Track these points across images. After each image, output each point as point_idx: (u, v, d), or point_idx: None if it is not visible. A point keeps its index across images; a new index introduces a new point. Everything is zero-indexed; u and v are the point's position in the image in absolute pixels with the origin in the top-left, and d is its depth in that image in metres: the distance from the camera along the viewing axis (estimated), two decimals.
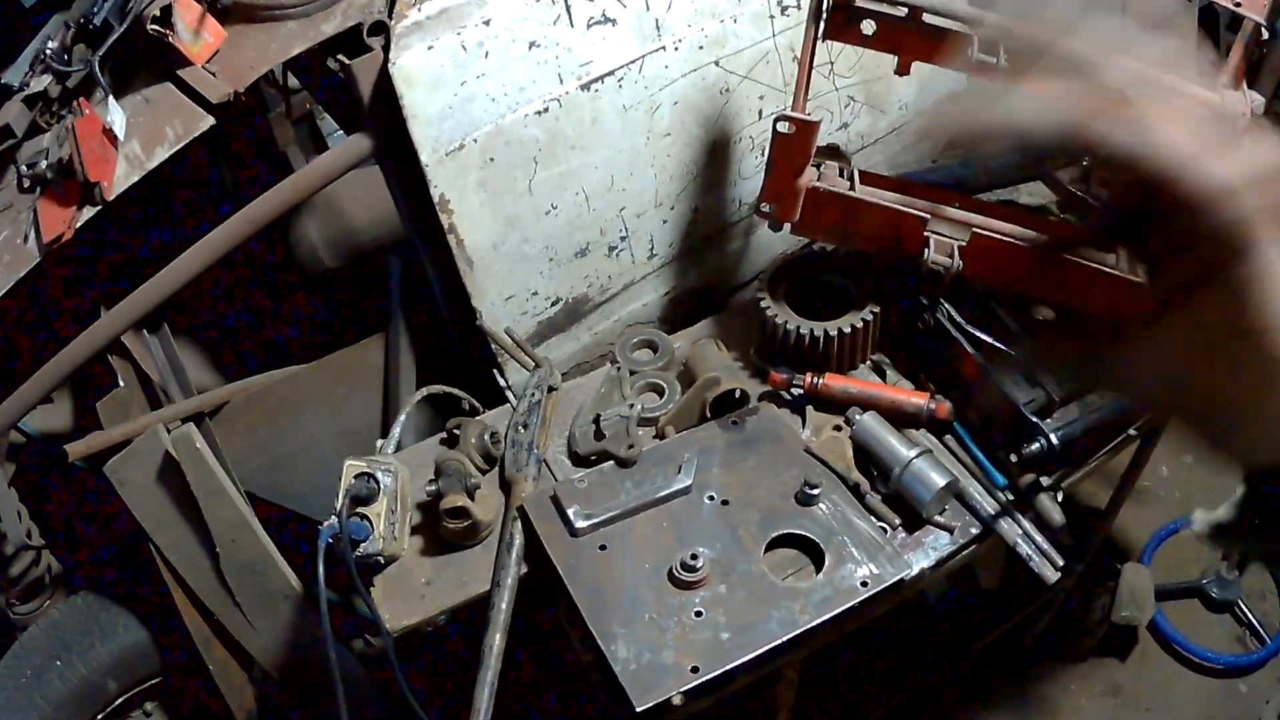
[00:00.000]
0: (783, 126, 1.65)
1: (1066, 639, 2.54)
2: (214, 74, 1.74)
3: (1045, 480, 1.71)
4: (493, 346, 1.90)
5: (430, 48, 1.64)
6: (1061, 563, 1.68)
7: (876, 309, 1.81)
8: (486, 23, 1.67)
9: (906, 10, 1.63)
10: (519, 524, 1.67)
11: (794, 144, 1.67)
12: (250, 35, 1.76)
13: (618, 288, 2.02)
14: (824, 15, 1.65)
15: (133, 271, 1.86)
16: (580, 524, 1.63)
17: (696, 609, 1.53)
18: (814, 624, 1.51)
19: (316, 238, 2.18)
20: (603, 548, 1.62)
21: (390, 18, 1.67)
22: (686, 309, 2.10)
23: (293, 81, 2.30)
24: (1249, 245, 0.68)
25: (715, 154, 1.97)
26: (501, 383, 1.91)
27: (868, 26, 1.65)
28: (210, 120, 1.73)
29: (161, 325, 1.94)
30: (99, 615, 2.06)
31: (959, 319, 1.79)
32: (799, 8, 1.93)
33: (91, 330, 1.82)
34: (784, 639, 1.49)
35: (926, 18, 1.63)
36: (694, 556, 1.55)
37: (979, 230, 1.71)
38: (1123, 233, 0.85)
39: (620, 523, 1.65)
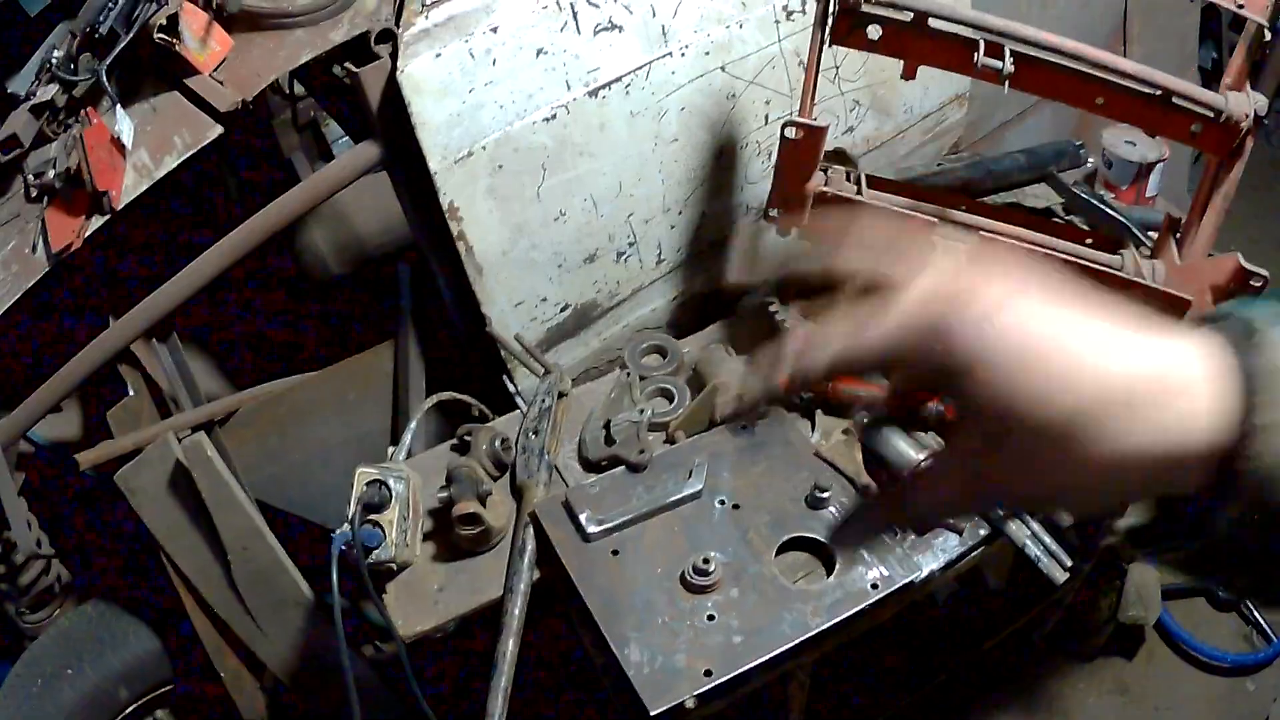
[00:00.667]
0: (790, 132, 1.66)
1: (1074, 638, 2.55)
2: (221, 82, 1.75)
3: None
4: (502, 353, 1.91)
5: (438, 55, 1.64)
6: (1069, 563, 1.68)
7: None
8: (494, 30, 1.67)
9: (912, 15, 1.63)
10: (531, 530, 1.67)
11: (801, 149, 1.68)
12: (257, 43, 1.77)
13: (626, 293, 2.02)
14: (829, 20, 1.66)
15: (141, 280, 1.86)
16: (592, 529, 1.63)
17: (709, 612, 1.53)
18: (825, 626, 1.51)
19: (323, 245, 2.18)
20: (615, 552, 1.62)
21: (398, 25, 1.68)
22: (694, 314, 2.11)
23: (298, 89, 2.30)
24: (961, 358, 0.69)
25: (722, 159, 1.98)
26: (511, 389, 1.91)
27: (873, 31, 1.65)
28: (219, 129, 1.73)
29: (171, 334, 1.94)
30: (109, 623, 2.06)
31: None
32: (804, 13, 1.93)
33: (101, 339, 1.83)
34: (796, 641, 1.49)
35: (932, 22, 1.64)
36: (706, 560, 1.55)
37: (986, 234, 1.72)
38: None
39: (632, 527, 1.65)
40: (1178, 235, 1.82)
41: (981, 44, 1.62)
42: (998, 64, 1.62)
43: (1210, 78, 3.26)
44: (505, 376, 1.93)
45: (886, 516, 0.82)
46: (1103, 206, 1.98)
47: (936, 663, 2.25)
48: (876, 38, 1.67)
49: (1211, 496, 0.67)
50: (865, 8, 1.63)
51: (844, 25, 1.66)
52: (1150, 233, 1.92)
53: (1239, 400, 0.65)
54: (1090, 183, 2.14)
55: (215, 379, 2.11)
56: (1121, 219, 1.94)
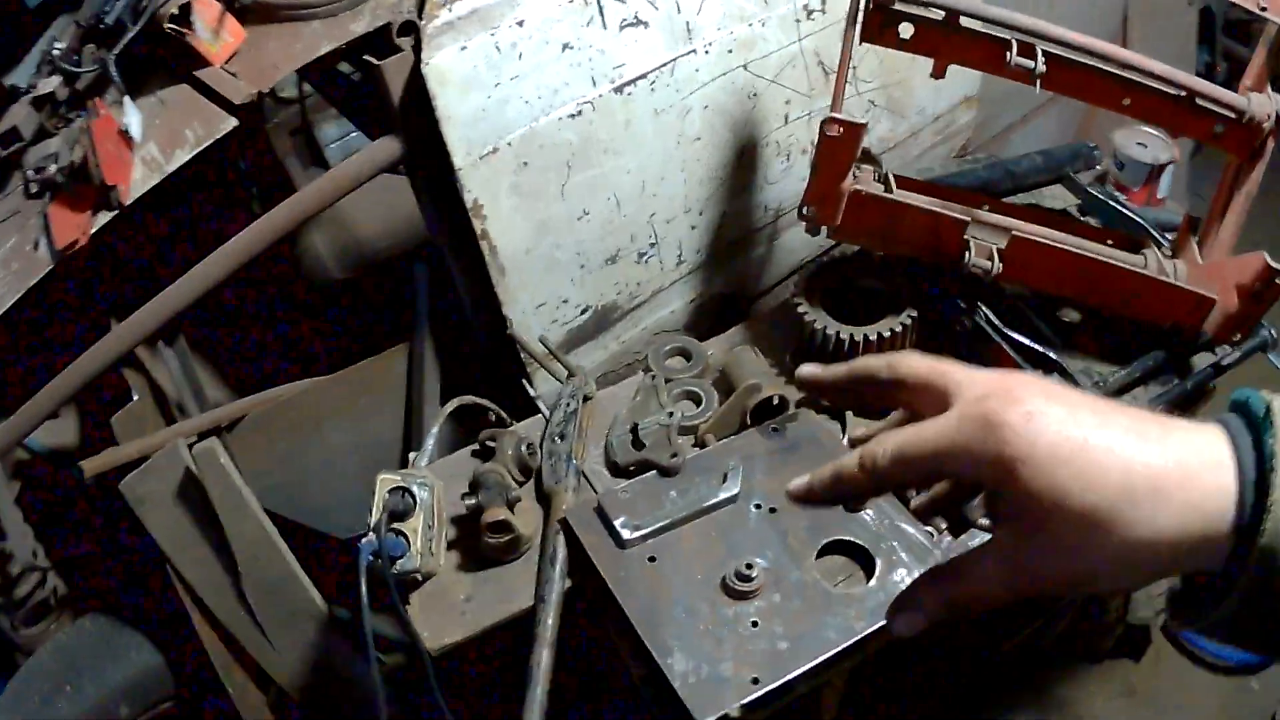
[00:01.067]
0: (831, 129, 1.63)
1: (1082, 640, 2.56)
2: (234, 74, 1.69)
3: None
4: (523, 356, 1.86)
5: (464, 48, 1.60)
6: None
7: (914, 313, 1.80)
8: (520, 24, 1.63)
9: (944, 14, 1.62)
10: (561, 536, 1.63)
11: (840, 147, 1.66)
12: (273, 35, 1.71)
13: (646, 295, 1.99)
14: (861, 18, 1.64)
15: (146, 280, 1.79)
16: (628, 535, 1.59)
17: (752, 619, 1.50)
18: (870, 630, 1.48)
19: (323, 249, 2.11)
20: (652, 559, 1.58)
21: (420, 18, 1.63)
22: (711, 316, 2.08)
23: (292, 92, 2.23)
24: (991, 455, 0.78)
25: (743, 158, 1.95)
26: (531, 392, 1.87)
27: (905, 30, 1.64)
28: (233, 121, 1.67)
29: (178, 337, 1.87)
30: (109, 638, 1.97)
31: (996, 321, 1.78)
32: (824, 11, 1.92)
33: (104, 342, 1.75)
34: (843, 646, 1.47)
35: (964, 21, 1.62)
36: (749, 566, 1.52)
37: (1018, 234, 1.71)
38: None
39: (668, 533, 1.61)
40: (1197, 235, 1.83)
41: (1014, 44, 1.61)
42: (1030, 64, 1.61)
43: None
44: (525, 380, 1.88)
45: (933, 608, 0.87)
46: (1120, 207, 1.99)
47: (957, 666, 2.24)
48: (908, 36, 1.65)
49: (1229, 568, 0.74)
50: (898, 5, 1.61)
51: (876, 23, 1.65)
52: (1167, 233, 1.93)
53: (1255, 478, 0.72)
54: (1102, 184, 2.14)
55: (221, 384, 2.04)
56: (1139, 219, 1.95)
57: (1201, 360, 1.82)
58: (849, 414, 1.80)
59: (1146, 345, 1.81)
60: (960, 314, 1.81)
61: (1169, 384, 1.80)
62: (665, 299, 2.03)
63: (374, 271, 2.05)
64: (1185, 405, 1.85)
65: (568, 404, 1.80)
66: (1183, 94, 1.67)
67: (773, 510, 1.64)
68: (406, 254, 2.11)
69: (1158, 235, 1.91)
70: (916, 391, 0.89)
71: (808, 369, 1.02)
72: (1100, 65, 1.63)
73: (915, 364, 0.91)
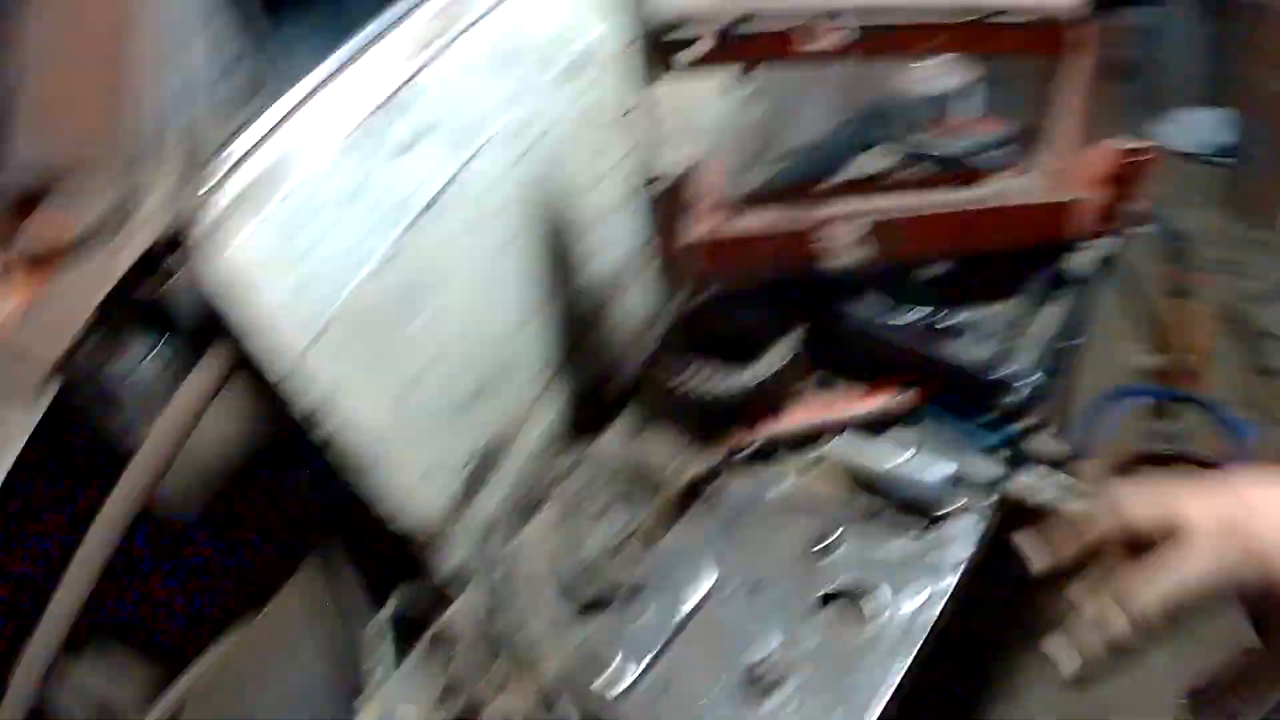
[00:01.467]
0: (656, 187, 1.53)
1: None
2: (24, 341, 1.44)
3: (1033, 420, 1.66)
4: (421, 537, 1.66)
5: (250, 235, 1.41)
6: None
7: (800, 330, 1.71)
8: (296, 189, 1.45)
9: (740, 17, 1.54)
10: (565, 701, 1.47)
11: (672, 198, 1.56)
12: (49, 289, 1.47)
13: (519, 418, 1.81)
14: (657, 53, 1.55)
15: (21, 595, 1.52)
16: (630, 674, 1.47)
17: (792, 702, 1.41)
18: (910, 660, 1.43)
19: (173, 488, 1.85)
20: (665, 688, 1.46)
21: (191, 221, 1.43)
22: (590, 412, 1.92)
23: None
24: None
25: (564, 237, 1.82)
26: (448, 568, 1.68)
27: (704, 46, 1.54)
28: (49, 392, 1.43)
29: (84, 647, 1.60)
30: None
31: (884, 306, 1.72)
32: (586, 67, 1.80)
33: (17, 682, 1.47)
34: (892, 686, 1.41)
35: (761, 22, 1.55)
36: (765, 655, 1.44)
37: (877, 213, 1.66)
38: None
39: (666, 655, 1.49)
40: (1039, 145, 1.81)
41: (814, 26, 1.54)
42: (835, 41, 1.55)
43: None
44: (435, 559, 1.69)
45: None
46: (943, 148, 1.97)
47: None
48: (710, 50, 1.56)
49: None
50: (692, 29, 1.52)
51: (662, 59, 1.56)
52: (995, 153, 1.90)
53: None
54: (913, 132, 2.10)
55: (141, 663, 1.75)
56: (966, 152, 1.92)
57: (1084, 260, 1.79)
58: (778, 458, 1.70)
59: (1024, 269, 1.78)
60: (844, 312, 1.73)
61: (1064, 297, 1.78)
62: (539, 415, 1.85)
63: (237, 486, 1.82)
64: (1083, 310, 1.83)
65: (496, 566, 1.63)
66: (984, 16, 1.63)
67: (755, 586, 1.55)
68: (258, 461, 1.87)
69: (993, 160, 1.89)
70: (1147, 534, 0.92)
71: (1041, 563, 1.02)
72: (898, 20, 1.58)
73: (1142, 511, 0.93)
